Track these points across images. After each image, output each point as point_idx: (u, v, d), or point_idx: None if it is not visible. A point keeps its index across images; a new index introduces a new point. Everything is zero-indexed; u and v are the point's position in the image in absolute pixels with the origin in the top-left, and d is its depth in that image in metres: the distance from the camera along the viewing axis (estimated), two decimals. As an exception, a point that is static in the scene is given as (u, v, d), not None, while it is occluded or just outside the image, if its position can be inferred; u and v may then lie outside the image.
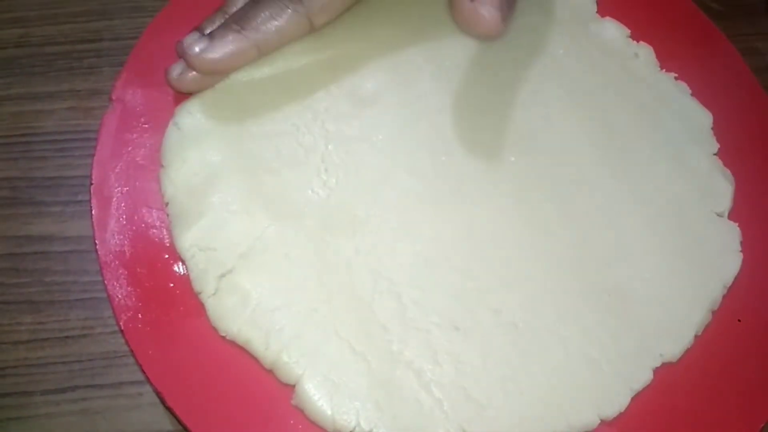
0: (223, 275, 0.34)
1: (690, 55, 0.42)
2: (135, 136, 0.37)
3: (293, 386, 0.32)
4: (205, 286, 0.34)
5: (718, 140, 0.40)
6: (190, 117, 0.37)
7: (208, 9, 0.40)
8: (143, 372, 0.33)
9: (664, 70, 0.42)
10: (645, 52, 0.42)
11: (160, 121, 0.38)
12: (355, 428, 0.32)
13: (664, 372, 0.34)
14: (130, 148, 0.37)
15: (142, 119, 0.38)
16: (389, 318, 0.34)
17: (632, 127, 0.39)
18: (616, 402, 0.33)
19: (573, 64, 0.40)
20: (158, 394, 0.32)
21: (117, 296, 0.34)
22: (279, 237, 0.35)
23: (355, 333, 0.33)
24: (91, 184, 0.36)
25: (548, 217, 0.37)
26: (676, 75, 0.41)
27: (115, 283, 0.34)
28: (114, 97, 0.38)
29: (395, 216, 0.36)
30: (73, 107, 0.46)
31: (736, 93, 0.42)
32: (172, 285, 0.34)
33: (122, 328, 0.33)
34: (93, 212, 0.35)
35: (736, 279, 0.37)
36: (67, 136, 0.45)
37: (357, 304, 0.34)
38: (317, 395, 0.32)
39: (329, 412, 0.32)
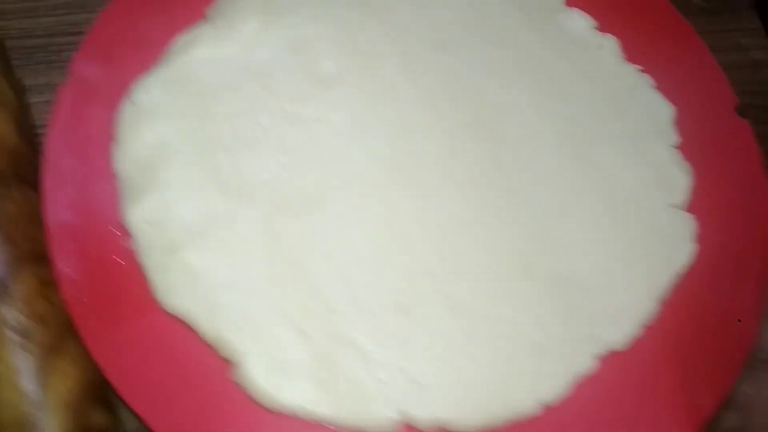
0: (171, 251, 0.34)
1: (657, 48, 0.42)
2: (91, 109, 0.37)
3: (235, 363, 0.32)
4: (152, 261, 0.34)
5: (680, 133, 0.40)
6: (147, 93, 0.37)
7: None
8: (86, 346, 0.33)
9: (629, 62, 0.41)
10: (610, 44, 0.41)
11: (117, 96, 0.38)
12: (294, 406, 0.32)
13: (611, 360, 0.34)
14: (85, 122, 0.37)
15: (100, 93, 0.38)
16: (338, 299, 0.34)
17: (593, 118, 0.39)
18: (557, 387, 0.33)
19: (537, 53, 0.40)
20: (100, 367, 0.32)
21: (62, 268, 0.34)
22: (231, 215, 0.35)
23: (301, 313, 0.33)
24: (44, 156, 0.36)
25: (503, 204, 0.36)
26: (642, 68, 0.41)
27: (62, 257, 0.34)
28: (73, 71, 0.38)
29: (350, 198, 0.36)
30: (50, 101, 0.45)
31: (702, 87, 0.42)
32: (119, 260, 0.34)
33: (66, 299, 0.33)
34: (44, 184, 0.35)
35: (692, 271, 0.37)
36: (43, 130, 0.44)
37: (306, 284, 0.34)
38: (258, 373, 0.32)
39: (269, 390, 0.32)
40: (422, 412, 0.32)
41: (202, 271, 0.33)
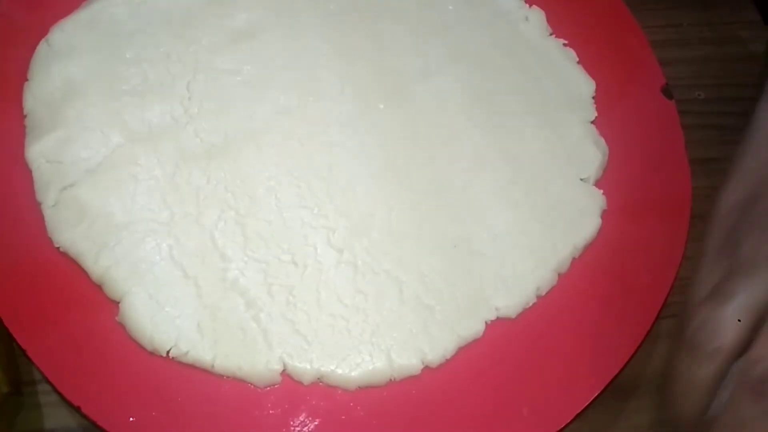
0: (65, 188, 0.34)
1: (586, 23, 0.42)
2: (11, 50, 0.38)
3: (119, 303, 0.33)
4: (46, 197, 0.34)
5: (602, 109, 0.40)
6: (62, 34, 0.37)
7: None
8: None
9: (554, 35, 0.41)
10: (536, 17, 0.41)
11: (38, 38, 0.38)
12: (171, 348, 0.32)
13: (500, 327, 0.34)
14: (2, 62, 0.37)
15: (22, 34, 0.38)
16: (229, 247, 0.34)
17: (510, 88, 0.39)
18: (441, 348, 0.33)
19: (460, 21, 0.40)
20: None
21: (-39, 199, 0.34)
22: (130, 157, 0.35)
23: (190, 257, 0.33)
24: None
25: (408, 166, 0.36)
26: (566, 42, 0.41)
27: (-38, 188, 0.34)
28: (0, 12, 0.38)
29: (254, 150, 0.36)
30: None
31: (629, 65, 0.41)
32: (18, 194, 0.35)
33: (-38, 231, 0.33)
34: (-45, 119, 0.36)
35: (595, 246, 0.36)
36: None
37: (198, 230, 0.34)
38: (139, 313, 0.32)
39: (148, 331, 0.32)
40: (304, 363, 0.32)
41: (93, 209, 0.33)
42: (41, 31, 0.38)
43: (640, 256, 0.37)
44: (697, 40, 0.47)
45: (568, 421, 0.32)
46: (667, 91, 0.41)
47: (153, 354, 0.32)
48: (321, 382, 0.32)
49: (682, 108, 0.41)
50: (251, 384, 0.32)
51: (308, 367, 0.32)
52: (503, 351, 0.34)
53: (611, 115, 0.40)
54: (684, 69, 0.45)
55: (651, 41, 0.43)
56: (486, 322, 0.34)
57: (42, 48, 0.37)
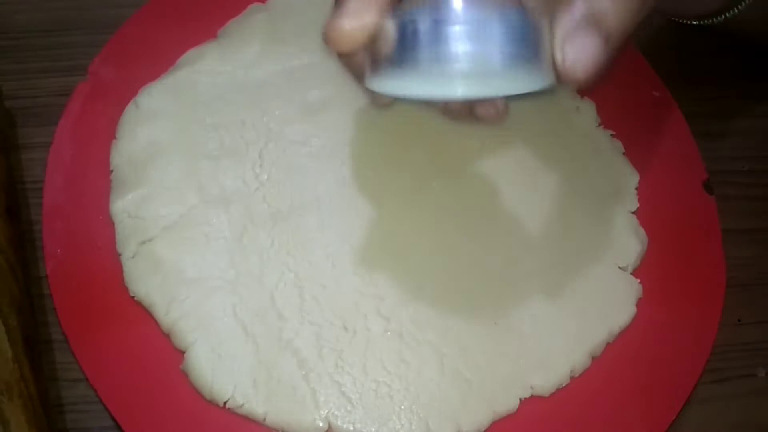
0: (143, 242, 0.37)
1: (633, 115, 0.44)
2: (100, 107, 0.41)
3: (184, 352, 0.35)
4: (126, 249, 0.37)
5: (643, 200, 0.42)
6: (150, 98, 0.41)
7: (192, 5, 0.45)
8: (59, 319, 0.36)
9: (602, 126, 0.44)
10: (587, 108, 0.44)
11: (125, 98, 0.41)
12: (228, 400, 0.34)
13: (534, 404, 0.36)
14: (92, 118, 0.41)
15: (110, 94, 0.42)
16: (287, 308, 0.37)
17: (558, 175, 0.41)
18: (477, 423, 0.35)
19: (515, 107, 0.43)
20: (65, 335, 0.36)
21: (49, 244, 0.37)
22: (203, 217, 0.38)
23: (251, 315, 0.36)
24: (52, 143, 0.40)
25: (457, 242, 0.39)
26: (614, 133, 0.43)
27: (50, 233, 0.38)
28: (90, 70, 0.42)
29: (315, 217, 0.39)
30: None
31: (672, 159, 0.43)
32: (99, 244, 0.38)
33: (48, 272, 0.37)
34: (47, 168, 0.39)
35: (629, 333, 0.38)
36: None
37: (260, 290, 0.37)
38: (201, 364, 0.35)
39: (208, 381, 0.34)
40: (347, 424, 0.34)
41: (167, 263, 0.36)
42: (128, 90, 0.42)
43: (671, 344, 0.38)
44: (741, 112, 0.49)
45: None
46: (708, 187, 0.43)
47: (210, 403, 0.35)
48: (361, 443, 0.35)
49: (726, 179, 0.42)
50: (298, 439, 0.34)
51: (351, 428, 0.34)
52: (535, 427, 0.36)
53: (653, 206, 0.42)
54: (728, 140, 0.47)
55: (695, 112, 0.45)
56: (520, 399, 0.36)
57: (130, 110, 0.40)
